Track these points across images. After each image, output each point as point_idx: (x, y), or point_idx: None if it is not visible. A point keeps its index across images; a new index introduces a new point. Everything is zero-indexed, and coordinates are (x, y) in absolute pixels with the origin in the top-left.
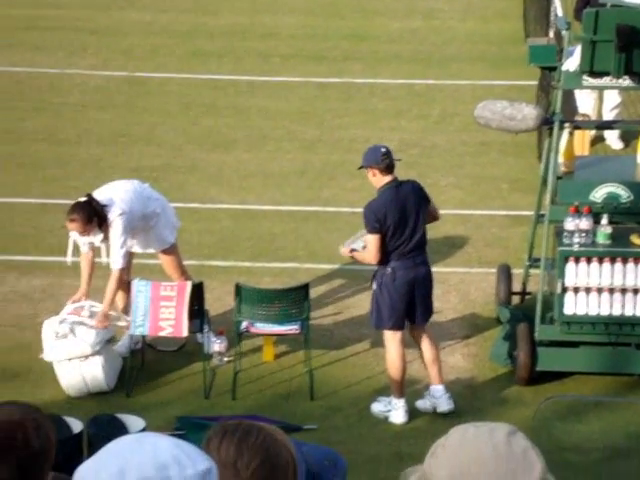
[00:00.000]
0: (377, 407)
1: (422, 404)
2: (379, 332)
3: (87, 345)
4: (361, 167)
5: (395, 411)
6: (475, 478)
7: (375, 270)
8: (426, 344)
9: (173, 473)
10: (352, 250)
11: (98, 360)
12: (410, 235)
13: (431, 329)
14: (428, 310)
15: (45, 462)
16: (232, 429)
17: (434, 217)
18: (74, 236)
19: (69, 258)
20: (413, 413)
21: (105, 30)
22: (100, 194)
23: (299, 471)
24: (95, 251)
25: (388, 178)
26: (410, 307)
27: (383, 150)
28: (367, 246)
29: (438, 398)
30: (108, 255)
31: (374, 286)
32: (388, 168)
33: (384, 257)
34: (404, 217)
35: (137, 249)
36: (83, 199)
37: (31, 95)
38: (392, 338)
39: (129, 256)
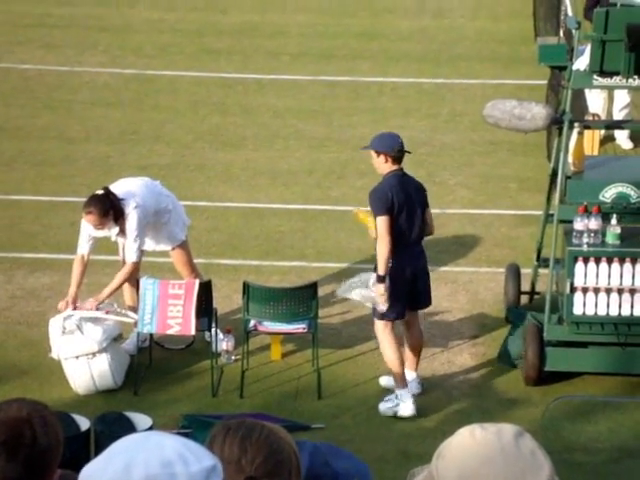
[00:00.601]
0: (385, 406)
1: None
2: None
3: (94, 342)
4: (368, 148)
5: (403, 403)
6: None
7: (377, 262)
8: (416, 333)
9: (178, 470)
10: (378, 277)
11: (105, 357)
12: (412, 224)
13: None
14: (429, 298)
15: (52, 459)
16: (235, 427)
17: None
18: (86, 231)
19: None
20: (421, 412)
21: (115, 28)
22: (115, 188)
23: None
24: (89, 257)
25: (396, 167)
26: (411, 296)
27: (400, 140)
28: (378, 231)
29: (410, 382)
30: (123, 252)
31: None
32: (399, 158)
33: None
34: (408, 204)
35: (148, 247)
36: (100, 192)
37: (40, 93)
38: (384, 329)
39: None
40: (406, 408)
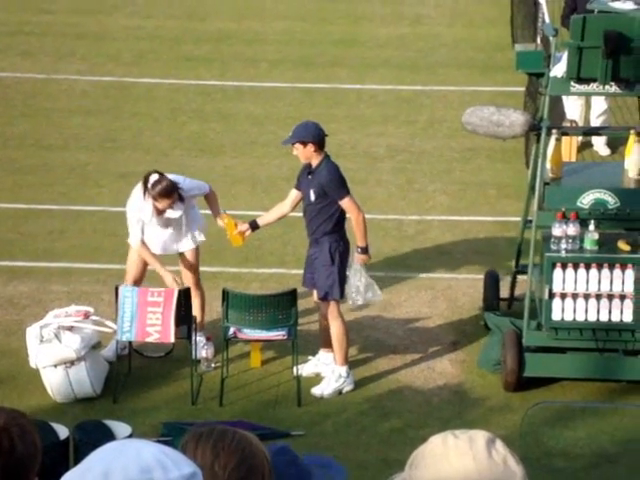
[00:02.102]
0: (329, 388)
1: (308, 368)
2: (365, 337)
3: (72, 351)
4: (291, 141)
5: (348, 379)
6: None
7: (328, 246)
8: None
9: (157, 476)
10: (363, 249)
11: (84, 366)
12: None
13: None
14: None
15: (30, 468)
16: (207, 432)
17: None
18: (135, 217)
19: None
20: (401, 419)
21: (92, 35)
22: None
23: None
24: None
25: (323, 152)
26: None
27: (320, 126)
28: (351, 210)
29: (328, 364)
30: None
31: (335, 260)
32: (325, 143)
33: (333, 227)
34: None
35: (166, 249)
36: (162, 174)
37: (18, 100)
38: (338, 309)
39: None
40: (351, 382)
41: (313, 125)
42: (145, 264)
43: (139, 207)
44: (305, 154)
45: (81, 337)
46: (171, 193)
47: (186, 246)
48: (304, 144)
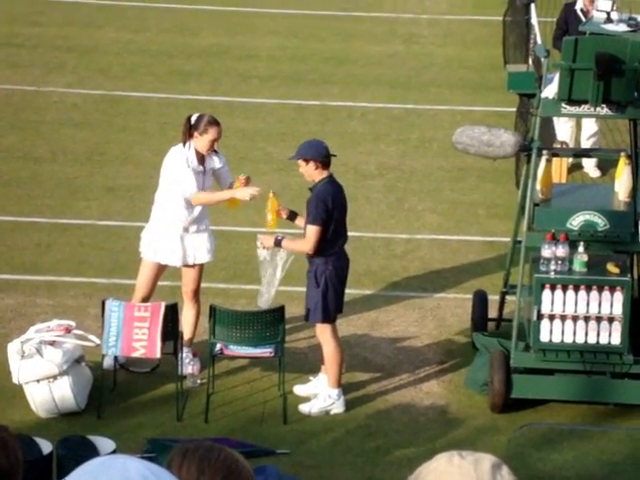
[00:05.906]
0: (317, 406)
1: (303, 389)
2: (353, 355)
3: (54, 365)
4: (296, 158)
5: (338, 401)
6: None
7: (315, 268)
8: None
9: None
10: (278, 240)
11: (66, 380)
12: (345, 228)
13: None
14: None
15: None
16: (193, 449)
17: None
18: (189, 168)
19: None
20: (387, 439)
21: (83, 48)
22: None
23: None
24: None
25: (326, 172)
26: (341, 298)
27: (326, 146)
28: (307, 237)
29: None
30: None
31: (320, 284)
32: (328, 164)
33: (321, 250)
34: (344, 211)
35: (182, 258)
36: None
37: (7, 112)
38: (330, 330)
39: (163, 269)
40: (341, 405)
41: (317, 143)
42: (155, 281)
43: (182, 158)
44: (307, 171)
45: (63, 351)
46: (218, 122)
47: (202, 258)
48: (306, 161)
